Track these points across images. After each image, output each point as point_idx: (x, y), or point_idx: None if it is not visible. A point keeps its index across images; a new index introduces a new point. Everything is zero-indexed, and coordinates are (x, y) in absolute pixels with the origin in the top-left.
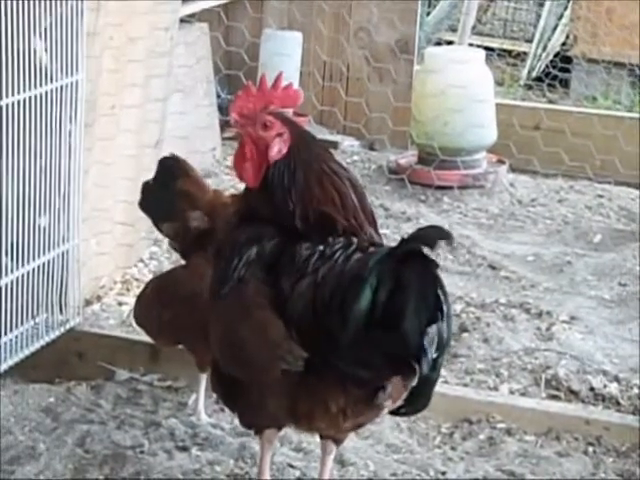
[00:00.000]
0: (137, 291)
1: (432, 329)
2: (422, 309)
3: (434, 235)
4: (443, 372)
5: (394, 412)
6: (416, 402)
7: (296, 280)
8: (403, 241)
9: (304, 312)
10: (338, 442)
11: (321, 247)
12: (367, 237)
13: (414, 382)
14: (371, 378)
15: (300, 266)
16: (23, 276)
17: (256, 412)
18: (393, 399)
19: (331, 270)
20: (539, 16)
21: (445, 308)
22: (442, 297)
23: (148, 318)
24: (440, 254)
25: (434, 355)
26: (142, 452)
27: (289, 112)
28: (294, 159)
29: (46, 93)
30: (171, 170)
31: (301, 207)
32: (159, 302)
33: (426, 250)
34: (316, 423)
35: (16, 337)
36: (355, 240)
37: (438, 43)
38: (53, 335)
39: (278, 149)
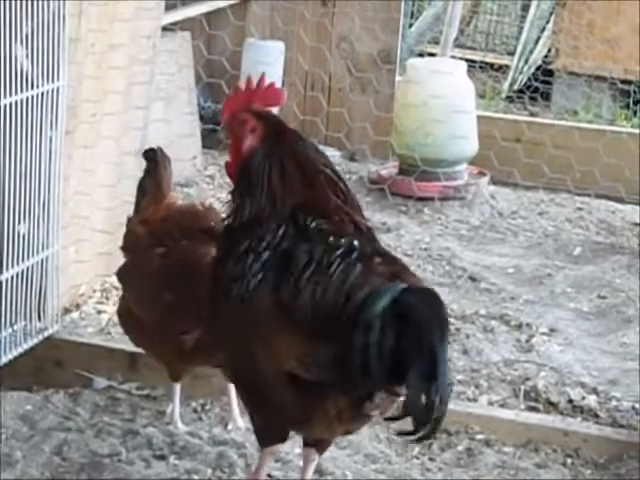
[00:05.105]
0: (116, 299)
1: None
2: (429, 378)
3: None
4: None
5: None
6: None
7: (296, 291)
8: (405, 291)
9: (305, 323)
10: (321, 451)
11: (320, 252)
12: (368, 238)
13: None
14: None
15: (300, 274)
16: (1, 283)
17: (272, 423)
18: (380, 410)
19: (330, 285)
20: (521, 29)
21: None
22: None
23: None
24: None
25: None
26: (120, 460)
27: (274, 109)
28: (264, 152)
29: (27, 99)
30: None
31: (271, 201)
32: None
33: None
34: (315, 427)
35: None
36: (356, 244)
37: (420, 55)
38: (31, 343)
39: (249, 144)
